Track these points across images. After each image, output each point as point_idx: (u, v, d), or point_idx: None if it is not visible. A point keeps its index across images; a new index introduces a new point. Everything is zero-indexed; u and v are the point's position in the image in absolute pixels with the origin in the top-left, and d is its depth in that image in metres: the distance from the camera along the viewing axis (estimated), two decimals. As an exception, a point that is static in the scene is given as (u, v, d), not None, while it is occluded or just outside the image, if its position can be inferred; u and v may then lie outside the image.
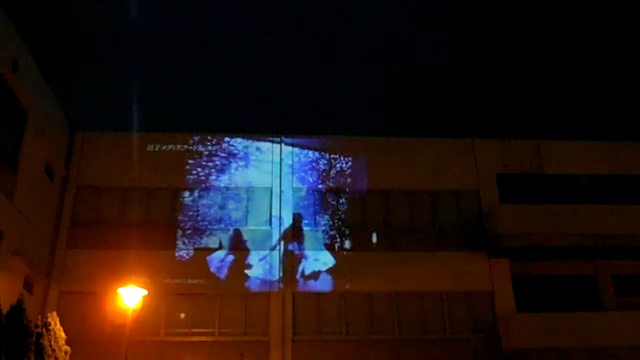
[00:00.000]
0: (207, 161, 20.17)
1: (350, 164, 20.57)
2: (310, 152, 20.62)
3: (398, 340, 18.36)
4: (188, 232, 19.19)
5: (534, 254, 19.56)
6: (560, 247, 19.25)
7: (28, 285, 16.45)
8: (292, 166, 20.37)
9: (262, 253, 19.12)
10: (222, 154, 20.34)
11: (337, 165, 20.51)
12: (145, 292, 14.42)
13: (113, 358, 15.26)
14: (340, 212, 19.96)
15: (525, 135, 21.72)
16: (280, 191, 19.97)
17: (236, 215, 19.62)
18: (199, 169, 20.04)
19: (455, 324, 18.72)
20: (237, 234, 19.33)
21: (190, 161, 20.10)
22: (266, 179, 20.11)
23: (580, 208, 19.74)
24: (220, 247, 19.09)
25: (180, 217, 19.37)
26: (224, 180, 19.99)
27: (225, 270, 18.81)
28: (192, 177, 19.91)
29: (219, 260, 18.92)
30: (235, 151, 20.43)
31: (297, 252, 19.22)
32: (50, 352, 13.02)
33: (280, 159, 20.41)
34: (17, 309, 12.35)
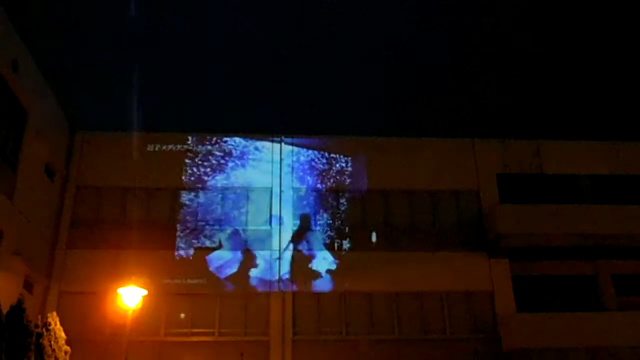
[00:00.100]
0: (207, 161, 20.18)
1: (350, 164, 20.57)
2: (310, 152, 20.62)
3: (398, 340, 18.36)
4: (188, 232, 19.19)
5: (534, 254, 19.56)
6: (560, 247, 19.26)
7: (28, 285, 16.45)
8: (292, 166, 20.37)
9: (262, 253, 19.13)
10: (222, 154, 20.35)
11: (337, 165, 20.51)
12: (145, 292, 14.42)
13: (113, 358, 15.26)
14: (340, 212, 19.96)
15: (525, 135, 21.72)
16: (280, 191, 19.97)
17: (236, 215, 19.62)
18: (199, 169, 20.04)
19: (455, 324, 18.72)
20: (237, 234, 19.33)
21: (190, 161, 20.11)
22: (266, 178, 20.11)
23: (580, 208, 19.74)
24: (220, 247, 19.10)
25: (180, 217, 19.38)
26: (223, 180, 20.00)
27: (225, 270, 18.81)
28: (192, 177, 19.92)
29: (219, 260, 18.92)
30: (235, 151, 20.44)
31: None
32: (50, 352, 13.03)
33: (280, 159, 20.41)
34: (17, 309, 12.36)
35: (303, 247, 19.36)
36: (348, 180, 20.34)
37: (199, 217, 19.43)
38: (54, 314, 13.84)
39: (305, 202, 20.00)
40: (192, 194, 19.75)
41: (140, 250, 18.32)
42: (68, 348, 13.81)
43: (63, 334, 13.71)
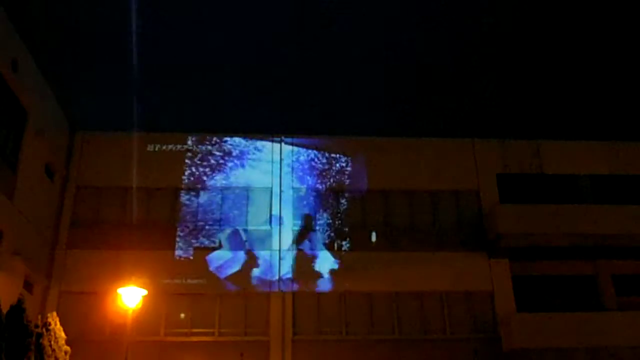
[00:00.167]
0: (207, 161, 20.18)
1: (350, 164, 20.57)
2: (310, 152, 20.62)
3: (398, 340, 18.36)
4: (188, 232, 19.19)
5: (534, 254, 19.56)
6: (560, 247, 19.25)
7: (28, 285, 16.45)
8: (292, 166, 20.37)
9: (262, 253, 19.14)
10: (222, 154, 20.35)
11: (337, 165, 20.51)
12: (145, 292, 14.42)
13: (113, 358, 15.28)
14: (340, 212, 19.96)
15: (525, 135, 21.71)
16: (280, 191, 19.97)
17: (236, 215, 19.61)
18: (199, 169, 20.04)
19: (455, 324, 18.72)
20: (237, 234, 19.33)
21: (190, 161, 20.11)
22: (266, 178, 20.11)
23: (580, 208, 19.74)
24: (220, 247, 19.10)
25: (180, 217, 19.38)
26: (223, 180, 20.00)
27: (225, 270, 18.81)
28: (192, 177, 19.92)
29: (219, 260, 18.92)
30: (235, 151, 20.44)
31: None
32: (50, 352, 13.03)
33: (280, 159, 20.42)
34: (17, 309, 12.35)
35: (305, 246, 19.36)
36: (348, 180, 20.34)
37: (199, 217, 19.43)
38: (54, 314, 13.84)
39: (305, 202, 20.00)
40: (192, 194, 19.75)
41: (140, 250, 18.33)
42: (68, 348, 13.80)
43: (63, 334, 13.70)
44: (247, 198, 19.89)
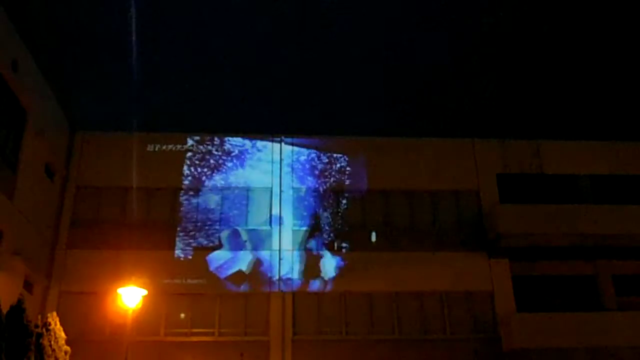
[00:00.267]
0: (207, 161, 20.19)
1: (350, 164, 20.57)
2: (310, 152, 20.63)
3: (398, 340, 18.37)
4: (188, 232, 19.20)
5: (534, 254, 19.57)
6: (560, 247, 19.27)
7: (28, 285, 16.45)
8: (292, 166, 20.37)
9: (262, 253, 19.14)
10: (222, 154, 20.36)
11: (337, 165, 20.52)
12: (145, 292, 14.43)
13: (113, 358, 15.28)
14: (340, 212, 19.96)
15: (525, 135, 21.70)
16: (280, 191, 19.97)
17: (236, 215, 19.62)
18: (198, 169, 20.05)
19: (455, 324, 18.73)
20: (237, 234, 19.34)
21: (190, 161, 20.11)
22: (266, 178, 20.12)
23: (580, 208, 19.75)
24: (220, 247, 19.10)
25: (180, 217, 19.38)
26: (223, 180, 20.00)
27: (225, 270, 18.81)
28: (192, 177, 19.92)
29: (219, 260, 18.92)
30: (235, 151, 20.44)
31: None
32: (50, 352, 13.03)
33: (280, 159, 20.42)
34: (17, 309, 12.36)
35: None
36: (348, 180, 20.35)
37: (199, 217, 19.43)
38: (54, 314, 13.84)
39: (305, 202, 20.00)
40: (192, 194, 19.76)
41: (140, 250, 18.34)
42: (68, 348, 13.81)
43: (63, 334, 13.71)
44: (247, 198, 19.90)
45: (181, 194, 19.70)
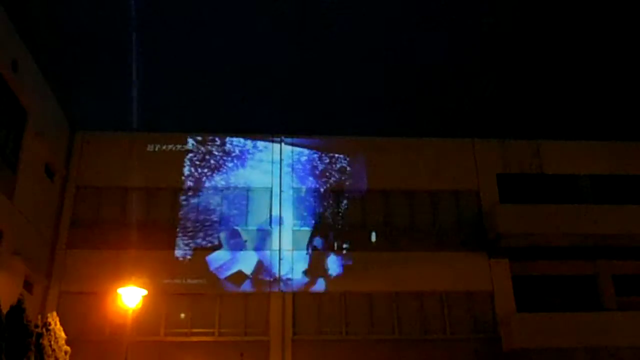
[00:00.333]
0: (207, 161, 20.19)
1: (350, 164, 20.57)
2: (310, 152, 20.63)
3: (398, 340, 18.37)
4: (188, 232, 19.20)
5: (534, 254, 19.57)
6: (560, 247, 19.27)
7: (28, 285, 16.45)
8: (292, 166, 20.37)
9: (262, 253, 19.15)
10: (222, 154, 20.36)
11: (337, 165, 20.52)
12: (145, 292, 14.43)
13: (113, 358, 15.28)
14: (340, 212, 19.96)
15: (525, 135, 21.70)
16: (280, 191, 19.97)
17: (236, 215, 19.62)
18: (198, 169, 20.05)
19: (455, 324, 18.72)
20: (237, 234, 19.34)
21: (190, 161, 20.11)
22: (266, 179, 20.12)
23: (580, 208, 19.75)
24: (220, 247, 19.10)
25: (180, 217, 19.38)
26: (223, 180, 20.01)
27: (225, 270, 18.81)
28: (192, 177, 19.92)
29: (219, 260, 18.92)
30: (235, 151, 20.44)
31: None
32: (50, 352, 13.04)
33: (280, 159, 20.42)
34: (17, 309, 12.36)
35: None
36: (348, 180, 20.35)
37: (199, 217, 19.43)
38: (54, 314, 13.85)
39: (305, 202, 20.00)
40: (192, 194, 19.76)
41: (140, 250, 18.33)
42: (68, 348, 13.81)
43: (63, 334, 13.71)
44: (247, 198, 19.90)
45: (181, 194, 19.70)
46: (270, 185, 20.04)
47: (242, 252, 19.12)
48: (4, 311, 11.93)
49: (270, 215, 19.67)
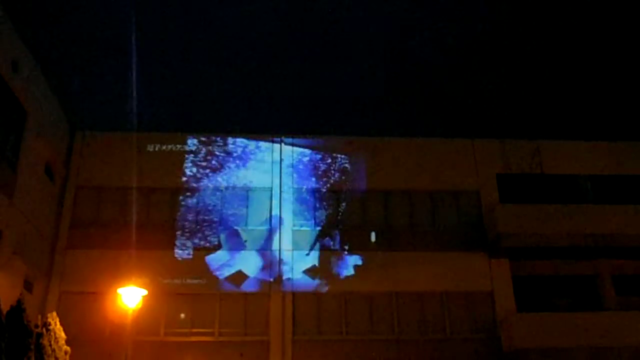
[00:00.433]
0: (207, 161, 20.18)
1: (350, 164, 20.57)
2: (310, 152, 20.62)
3: (398, 340, 18.37)
4: (188, 232, 19.19)
5: (534, 254, 19.56)
6: (560, 247, 19.26)
7: (28, 285, 16.45)
8: (292, 166, 20.36)
9: (262, 253, 19.14)
10: (222, 154, 20.35)
11: (337, 165, 20.51)
12: (145, 292, 14.41)
13: (113, 358, 15.29)
14: (340, 212, 19.96)
15: (525, 135, 21.71)
16: (281, 191, 19.97)
17: (236, 215, 19.61)
18: (198, 169, 20.04)
19: (455, 324, 18.72)
20: (237, 234, 19.34)
21: (190, 161, 20.11)
22: (266, 179, 20.11)
23: (580, 208, 19.74)
24: (220, 247, 19.09)
25: (180, 217, 19.37)
26: (223, 180, 20.00)
27: (225, 270, 18.81)
28: (191, 177, 19.92)
29: (219, 260, 18.92)
30: (235, 151, 20.44)
31: (314, 251, 19.23)
32: (50, 352, 13.04)
33: (280, 159, 20.42)
34: (17, 309, 12.36)
35: (312, 246, 19.33)
36: (348, 180, 20.34)
37: (199, 217, 19.42)
38: (54, 314, 13.85)
39: (305, 202, 19.99)
40: (192, 194, 19.75)
41: (140, 250, 18.31)
42: (68, 348, 13.81)
43: (63, 334, 13.71)
44: (247, 198, 19.89)
45: (181, 194, 19.69)
46: (270, 185, 20.03)
47: (242, 252, 19.11)
48: (4, 311, 11.93)
49: (270, 215, 19.67)
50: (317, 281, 18.94)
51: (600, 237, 19.07)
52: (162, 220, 19.31)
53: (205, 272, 18.72)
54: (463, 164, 20.86)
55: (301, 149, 20.63)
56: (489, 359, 18.08)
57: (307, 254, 19.22)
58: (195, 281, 18.54)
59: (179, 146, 20.28)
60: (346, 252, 19.40)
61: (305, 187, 20.16)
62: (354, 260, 19.28)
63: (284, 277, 18.85)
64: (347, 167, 20.50)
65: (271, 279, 18.79)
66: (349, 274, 19.06)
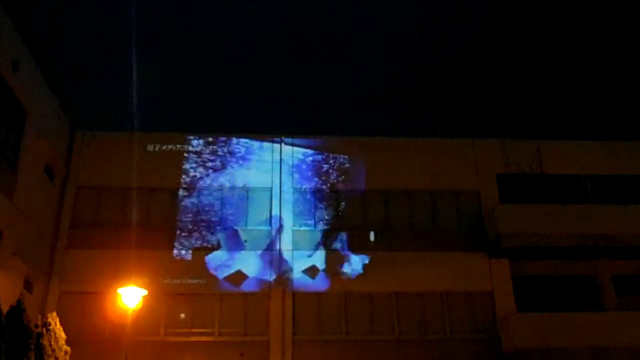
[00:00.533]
0: (206, 161, 20.18)
1: (350, 164, 20.56)
2: (310, 152, 20.62)
3: (398, 340, 18.36)
4: (188, 232, 19.19)
5: (534, 254, 19.55)
6: (560, 247, 19.24)
7: (28, 285, 16.45)
8: (292, 166, 20.36)
9: (262, 253, 19.13)
10: (222, 154, 20.35)
11: (337, 165, 20.51)
12: (145, 292, 14.42)
13: (113, 358, 15.26)
14: (340, 212, 19.95)
15: (525, 135, 21.74)
16: (281, 191, 19.96)
17: (236, 215, 19.61)
18: (198, 169, 20.04)
19: (455, 324, 18.71)
20: (237, 234, 19.33)
21: (190, 161, 20.11)
22: (266, 179, 20.10)
23: (580, 208, 19.74)
24: (220, 247, 19.09)
25: (180, 217, 19.37)
26: (223, 180, 19.99)
27: (225, 270, 18.80)
28: (191, 177, 19.91)
29: (219, 260, 18.92)
30: (235, 151, 20.43)
31: (314, 251, 19.24)
32: (50, 352, 13.04)
33: (280, 159, 20.41)
34: (17, 309, 12.36)
35: (311, 245, 19.32)
36: (348, 180, 20.33)
37: (199, 217, 19.42)
38: (54, 314, 13.85)
39: (305, 202, 19.99)
40: (192, 194, 19.75)
41: (140, 250, 18.29)
42: (68, 348, 13.81)
43: (63, 334, 13.71)
44: (247, 198, 19.88)
45: (181, 194, 19.69)
46: (270, 185, 20.03)
47: (241, 252, 19.11)
48: (4, 311, 11.93)
49: (270, 215, 19.66)
50: (317, 281, 18.93)
51: (600, 237, 19.07)
52: (162, 220, 19.31)
53: (205, 272, 18.71)
54: (463, 164, 20.86)
55: (301, 149, 20.62)
56: (489, 359, 18.07)
57: (310, 256, 19.20)
58: (195, 281, 18.54)
59: (179, 146, 20.27)
60: (346, 252, 19.39)
61: (305, 187, 20.16)
62: (354, 260, 19.27)
63: (284, 277, 18.84)
64: (347, 167, 20.49)
65: (271, 279, 18.79)
66: (349, 273, 19.05)
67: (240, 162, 20.30)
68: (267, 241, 19.30)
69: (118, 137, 20.20)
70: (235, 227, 19.42)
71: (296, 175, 20.28)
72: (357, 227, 19.78)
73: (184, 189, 19.74)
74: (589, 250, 19.56)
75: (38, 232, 17.32)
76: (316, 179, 20.29)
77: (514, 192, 20.49)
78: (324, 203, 20.07)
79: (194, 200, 19.68)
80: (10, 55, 15.24)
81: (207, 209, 19.60)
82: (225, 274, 18.76)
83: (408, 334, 18.46)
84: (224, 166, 20.18)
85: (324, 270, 19.07)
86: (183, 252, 18.92)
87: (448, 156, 20.99)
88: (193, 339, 17.85)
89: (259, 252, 19.15)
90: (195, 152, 20.25)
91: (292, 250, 19.25)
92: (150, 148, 20.08)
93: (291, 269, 18.98)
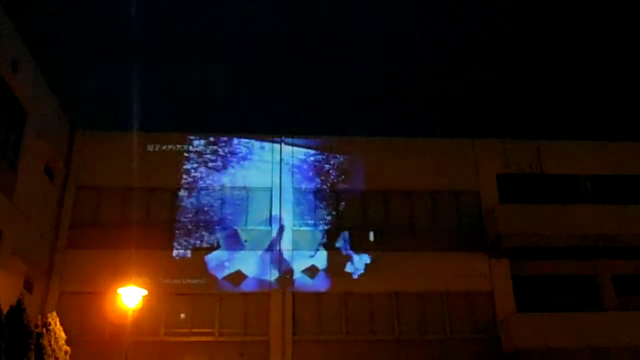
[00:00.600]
0: (206, 161, 20.18)
1: (350, 164, 20.56)
2: (311, 152, 20.62)
3: (398, 340, 18.37)
4: (188, 232, 19.19)
5: (534, 254, 19.56)
6: (560, 247, 19.24)
7: (28, 285, 16.44)
8: (292, 166, 20.36)
9: (262, 253, 19.12)
10: (222, 154, 20.35)
11: (337, 165, 20.51)
12: (145, 292, 14.42)
13: (113, 358, 15.26)
14: (340, 212, 19.95)
15: (525, 135, 21.73)
16: (281, 191, 19.96)
17: (236, 215, 19.61)
18: (198, 169, 20.04)
19: (455, 324, 18.72)
20: (237, 234, 19.33)
21: (190, 161, 20.10)
22: (266, 179, 20.10)
23: (580, 208, 19.74)
24: (220, 247, 19.09)
25: (179, 217, 19.37)
26: (223, 180, 19.99)
27: (224, 270, 18.81)
28: (191, 177, 19.91)
29: (219, 260, 18.91)
30: (235, 151, 20.43)
31: (314, 251, 19.24)
32: (50, 352, 13.05)
33: (280, 159, 20.41)
34: (17, 309, 12.37)
35: (311, 245, 19.31)
36: (348, 181, 20.33)
37: (199, 217, 19.42)
38: (54, 314, 13.86)
39: (305, 202, 19.99)
40: (192, 193, 19.75)
41: (140, 250, 18.29)
42: (68, 348, 13.83)
43: (63, 334, 13.73)
44: (247, 198, 19.88)
45: (181, 194, 19.69)
46: (270, 185, 20.03)
47: (241, 252, 19.10)
48: (4, 311, 11.94)
49: (270, 215, 19.66)
50: (317, 281, 18.93)
51: (600, 237, 19.07)
52: (162, 220, 19.30)
53: (205, 272, 18.71)
54: (463, 164, 20.86)
55: (301, 149, 20.63)
56: (489, 359, 18.07)
57: (312, 256, 19.19)
58: (195, 281, 18.54)
59: (179, 146, 20.27)
60: (346, 252, 19.39)
61: (305, 187, 20.16)
62: (354, 260, 19.27)
63: (284, 277, 18.84)
64: (347, 167, 20.49)
65: (271, 279, 18.79)
66: (349, 273, 19.05)
67: (241, 162, 20.31)
68: (267, 241, 19.30)
69: (118, 137, 20.20)
70: (235, 227, 19.42)
71: (296, 175, 20.28)
72: (357, 227, 19.78)
73: (184, 189, 19.74)
74: (589, 250, 19.56)
75: (38, 232, 17.31)
76: (316, 179, 20.30)
77: (514, 192, 20.49)
78: (324, 203, 20.07)
79: (194, 200, 19.68)
80: (10, 55, 15.24)
81: (207, 209, 19.60)
82: (225, 274, 18.76)
83: (408, 334, 18.46)
84: (224, 166, 20.18)
85: (324, 270, 19.08)
86: (183, 252, 18.92)
87: (448, 156, 20.99)
88: (193, 339, 17.85)
89: (259, 252, 19.15)
90: (195, 152, 20.25)
91: (292, 250, 19.25)
92: (150, 148, 20.08)
93: (291, 269, 18.98)
